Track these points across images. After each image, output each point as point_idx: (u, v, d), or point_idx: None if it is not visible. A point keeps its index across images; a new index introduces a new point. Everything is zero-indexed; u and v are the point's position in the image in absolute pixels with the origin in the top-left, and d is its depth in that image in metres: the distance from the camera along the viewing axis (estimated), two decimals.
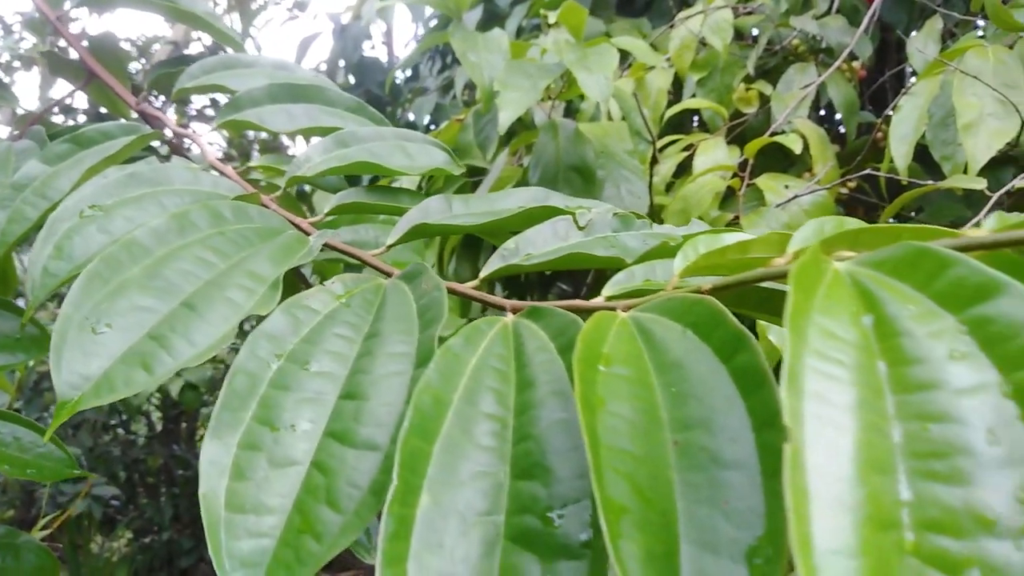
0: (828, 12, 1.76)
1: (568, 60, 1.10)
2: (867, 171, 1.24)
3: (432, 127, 2.52)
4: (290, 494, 0.31)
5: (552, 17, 1.16)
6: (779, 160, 1.59)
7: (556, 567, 0.26)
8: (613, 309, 0.33)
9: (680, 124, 1.88)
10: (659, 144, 1.59)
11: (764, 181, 1.34)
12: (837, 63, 1.58)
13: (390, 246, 0.46)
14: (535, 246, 0.43)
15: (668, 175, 1.54)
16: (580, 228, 0.44)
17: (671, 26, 1.72)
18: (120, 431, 3.16)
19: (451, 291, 0.41)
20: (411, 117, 2.71)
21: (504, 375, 0.32)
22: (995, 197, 1.10)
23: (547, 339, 0.34)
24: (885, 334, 0.22)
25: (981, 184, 1.13)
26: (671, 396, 0.27)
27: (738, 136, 1.67)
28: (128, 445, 3.11)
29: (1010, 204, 1.35)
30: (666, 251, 0.38)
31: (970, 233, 0.23)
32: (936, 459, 0.19)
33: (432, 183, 1.81)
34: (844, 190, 1.62)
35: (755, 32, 1.85)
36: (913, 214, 1.60)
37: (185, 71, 0.63)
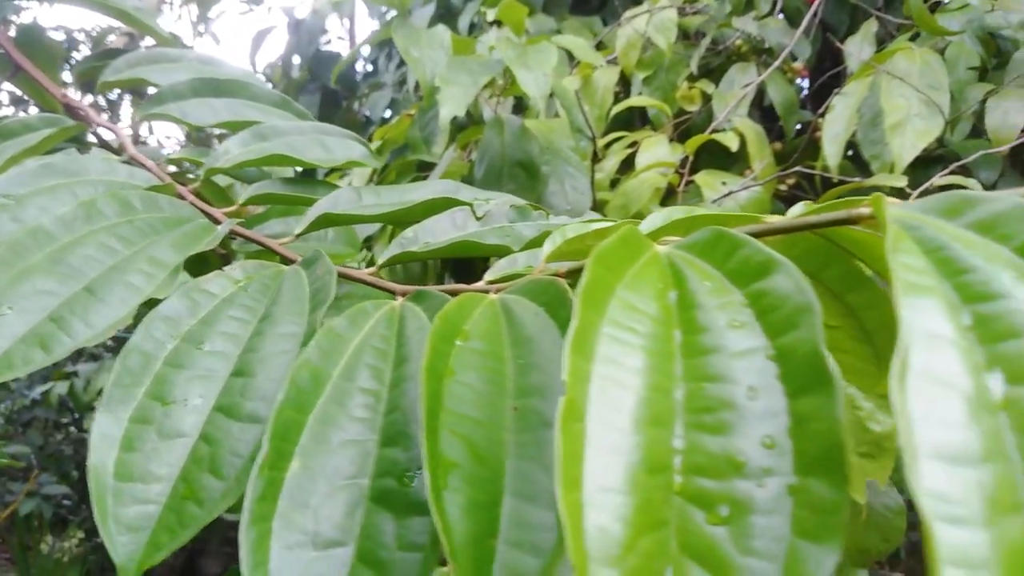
0: (771, 13, 1.81)
1: (508, 57, 1.13)
2: (797, 168, 1.29)
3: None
4: (177, 464, 0.33)
5: (491, 15, 1.18)
6: (722, 157, 1.63)
7: (408, 522, 0.28)
8: (487, 291, 0.35)
9: (628, 121, 1.90)
10: (604, 141, 1.62)
11: (702, 177, 1.38)
12: (776, 63, 1.63)
13: (299, 235, 0.48)
14: (433, 235, 0.45)
15: (612, 171, 1.57)
16: (478, 218, 0.47)
17: (619, 24, 1.75)
18: (72, 429, 3.11)
19: (349, 277, 0.43)
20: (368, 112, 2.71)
21: (384, 353, 0.35)
22: (915, 194, 1.15)
23: (427, 320, 0.36)
24: (685, 306, 0.25)
25: (902, 182, 1.18)
26: (518, 367, 0.29)
27: (683, 133, 1.71)
28: (80, 443, 3.07)
29: None
30: (545, 239, 0.41)
31: (769, 219, 0.26)
32: (707, 413, 0.22)
33: (384, 176, 1.82)
34: (783, 186, 1.67)
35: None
36: None
37: (110, 65, 0.65)
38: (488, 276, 0.39)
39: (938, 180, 1.17)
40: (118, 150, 0.69)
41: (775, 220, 0.26)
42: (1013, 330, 0.19)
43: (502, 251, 0.42)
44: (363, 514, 0.29)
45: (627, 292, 0.24)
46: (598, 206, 1.45)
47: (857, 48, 1.65)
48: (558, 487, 0.19)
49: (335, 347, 0.34)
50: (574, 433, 0.20)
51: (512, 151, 1.43)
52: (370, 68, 3.10)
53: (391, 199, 0.51)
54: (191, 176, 0.72)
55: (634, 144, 1.58)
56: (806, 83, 2.03)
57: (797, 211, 0.29)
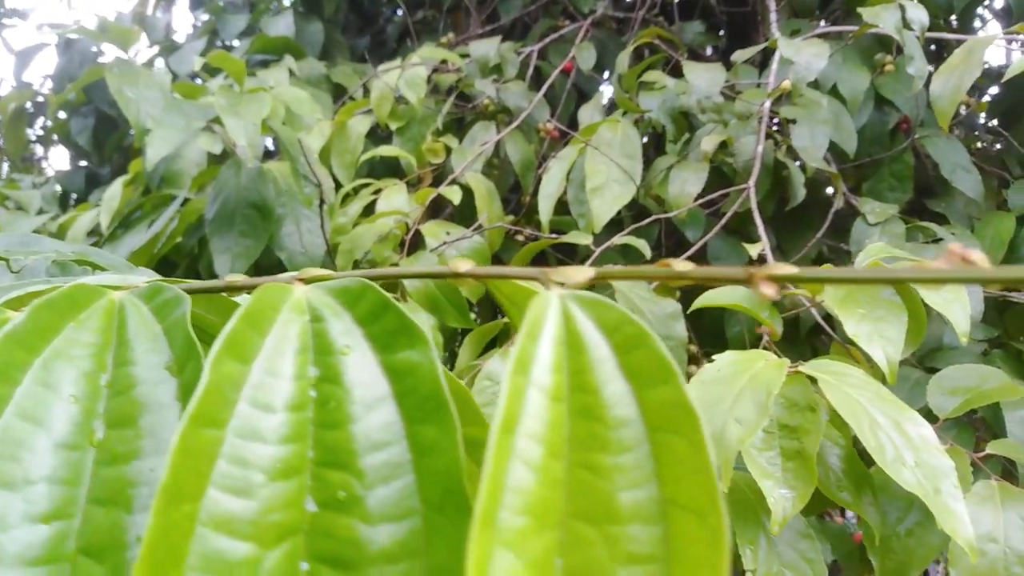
0: (521, 78, 1.97)
1: (219, 105, 1.17)
2: (503, 224, 1.42)
3: None
4: None
5: (197, 64, 1.22)
6: (470, 208, 1.75)
7: None
8: None
9: (397, 167, 1.99)
10: (353, 186, 1.69)
11: (428, 227, 1.48)
12: (515, 124, 1.78)
13: None
14: None
15: (356, 216, 1.64)
16: (14, 272, 0.50)
17: (375, 76, 1.84)
18: None
19: None
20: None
21: None
22: (597, 252, 1.30)
23: None
24: None
25: (587, 240, 1.33)
26: None
27: (434, 183, 1.81)
28: None
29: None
30: None
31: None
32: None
33: (140, 208, 1.79)
34: (521, 236, 1.81)
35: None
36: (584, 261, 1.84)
37: None
38: None
39: (618, 240, 1.34)
40: None
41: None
42: (126, 387, 0.26)
43: None
44: None
45: None
46: (332, 248, 1.51)
47: (588, 115, 1.82)
48: None
49: None
50: None
51: (247, 192, 1.46)
52: None
53: None
54: None
55: (379, 191, 1.66)
56: None
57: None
